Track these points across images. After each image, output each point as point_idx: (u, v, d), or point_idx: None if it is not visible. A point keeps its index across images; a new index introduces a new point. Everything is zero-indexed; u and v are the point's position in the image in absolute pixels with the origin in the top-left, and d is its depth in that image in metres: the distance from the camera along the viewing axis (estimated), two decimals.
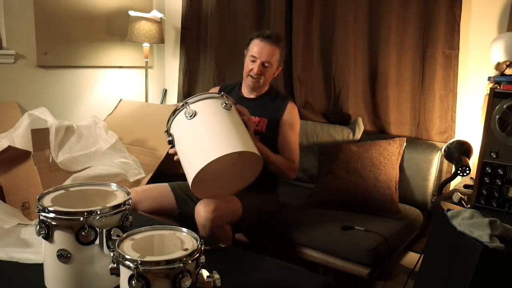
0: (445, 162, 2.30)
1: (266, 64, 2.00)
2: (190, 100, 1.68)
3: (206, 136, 1.62)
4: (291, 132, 2.06)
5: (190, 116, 1.63)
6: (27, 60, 2.97)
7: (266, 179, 1.96)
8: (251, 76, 2.02)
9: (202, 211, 1.79)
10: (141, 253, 1.02)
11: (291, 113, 2.08)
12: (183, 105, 1.67)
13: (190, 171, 1.59)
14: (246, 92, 2.14)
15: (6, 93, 2.87)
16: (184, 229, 1.15)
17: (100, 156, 2.28)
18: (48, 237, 1.15)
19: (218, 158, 1.52)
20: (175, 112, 1.70)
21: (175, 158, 1.76)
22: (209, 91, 2.25)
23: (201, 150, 1.60)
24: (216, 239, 1.71)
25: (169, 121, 1.72)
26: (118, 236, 1.13)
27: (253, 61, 2.01)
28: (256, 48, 2.00)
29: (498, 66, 2.05)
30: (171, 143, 1.72)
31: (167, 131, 1.73)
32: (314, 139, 2.64)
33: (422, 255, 1.68)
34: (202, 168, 1.54)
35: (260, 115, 2.05)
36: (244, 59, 2.09)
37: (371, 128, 2.70)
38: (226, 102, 1.69)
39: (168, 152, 1.70)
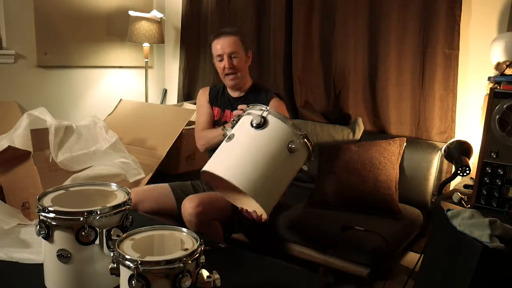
0: (445, 162, 2.30)
1: (233, 55, 2.01)
2: (272, 113, 1.54)
3: (246, 159, 1.50)
4: None
5: (256, 126, 1.51)
6: (27, 60, 2.97)
7: None
8: (226, 74, 2.04)
9: (187, 206, 1.80)
10: (141, 253, 1.02)
11: (276, 109, 2.06)
12: (261, 110, 1.55)
13: (213, 164, 1.55)
14: (231, 92, 2.15)
15: (6, 93, 2.87)
16: (184, 229, 1.15)
17: (100, 156, 2.28)
18: (48, 237, 1.15)
19: (236, 187, 1.47)
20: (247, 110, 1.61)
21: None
22: (198, 95, 2.24)
23: (235, 165, 1.50)
24: (204, 235, 1.69)
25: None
26: (118, 236, 1.13)
27: (221, 60, 2.03)
28: (218, 46, 2.02)
29: (498, 66, 2.05)
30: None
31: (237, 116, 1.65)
32: (314, 139, 2.64)
33: (422, 255, 1.68)
34: (219, 176, 1.49)
35: None
36: (216, 68, 2.11)
37: (371, 128, 2.69)
38: (294, 145, 1.50)
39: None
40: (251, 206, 1.64)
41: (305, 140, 1.54)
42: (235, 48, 2.01)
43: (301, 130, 1.54)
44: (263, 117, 1.51)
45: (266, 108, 1.54)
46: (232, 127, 1.63)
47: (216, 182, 1.64)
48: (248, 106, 1.63)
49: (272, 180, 1.52)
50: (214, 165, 1.55)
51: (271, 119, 1.53)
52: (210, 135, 2.06)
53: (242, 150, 1.52)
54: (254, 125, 1.51)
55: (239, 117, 1.65)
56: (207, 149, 2.07)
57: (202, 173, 1.58)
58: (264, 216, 1.60)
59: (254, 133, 1.52)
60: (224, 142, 1.59)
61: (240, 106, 1.75)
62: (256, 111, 1.56)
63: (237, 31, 2.06)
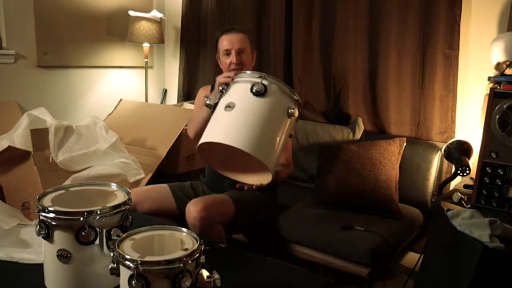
0: (445, 162, 2.30)
1: (241, 51, 2.01)
2: (270, 79, 1.52)
3: (254, 126, 1.47)
4: None
5: (256, 93, 1.49)
6: (27, 60, 2.97)
7: None
8: (232, 70, 1.98)
9: (191, 210, 1.79)
10: (141, 253, 1.02)
11: None
12: (260, 77, 1.52)
13: (208, 135, 1.52)
14: None
15: (6, 93, 2.87)
16: (184, 229, 1.16)
17: (100, 155, 2.28)
18: (48, 237, 1.15)
19: (233, 147, 1.43)
20: (242, 76, 1.58)
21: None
22: (199, 92, 2.23)
23: (231, 129, 1.48)
24: (206, 238, 1.69)
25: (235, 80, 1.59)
26: (118, 236, 1.13)
27: (228, 55, 2.01)
28: (225, 42, 2.02)
29: (498, 66, 2.05)
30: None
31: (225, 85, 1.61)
32: (314, 139, 2.64)
33: (422, 255, 1.69)
34: (216, 142, 1.46)
35: None
36: (219, 64, 2.10)
37: (371, 128, 2.69)
38: (292, 110, 1.52)
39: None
40: (251, 179, 1.62)
41: (299, 104, 1.57)
42: (243, 45, 2.02)
43: (296, 95, 1.56)
44: (263, 84, 1.50)
45: (263, 74, 1.53)
46: (220, 97, 1.57)
47: (214, 155, 1.59)
48: (236, 74, 1.59)
49: (274, 143, 1.51)
50: (220, 135, 1.48)
51: (271, 85, 1.52)
52: (196, 117, 1.97)
53: (250, 117, 1.48)
54: (254, 91, 1.49)
55: (228, 86, 1.59)
56: (196, 133, 1.96)
57: (199, 147, 1.51)
58: (264, 182, 1.56)
59: (256, 100, 1.50)
60: (222, 111, 1.52)
61: (225, 73, 1.70)
62: (253, 78, 1.53)
63: (245, 30, 2.08)
